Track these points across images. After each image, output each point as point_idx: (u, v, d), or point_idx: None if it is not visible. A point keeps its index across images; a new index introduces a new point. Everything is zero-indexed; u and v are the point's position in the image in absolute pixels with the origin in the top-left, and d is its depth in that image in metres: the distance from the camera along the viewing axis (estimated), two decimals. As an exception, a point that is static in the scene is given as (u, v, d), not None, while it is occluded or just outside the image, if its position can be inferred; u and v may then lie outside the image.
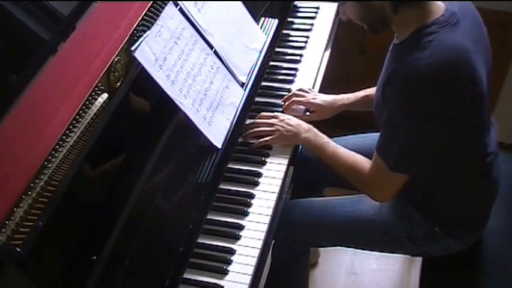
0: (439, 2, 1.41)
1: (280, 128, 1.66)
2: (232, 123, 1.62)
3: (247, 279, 1.41)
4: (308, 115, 1.80)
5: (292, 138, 1.66)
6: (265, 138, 1.66)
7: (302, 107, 1.79)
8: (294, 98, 1.78)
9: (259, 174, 1.63)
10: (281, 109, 1.78)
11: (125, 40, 1.38)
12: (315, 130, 1.66)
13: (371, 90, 1.78)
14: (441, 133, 1.41)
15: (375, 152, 1.51)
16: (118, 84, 1.37)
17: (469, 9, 1.47)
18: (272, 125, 1.67)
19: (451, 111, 1.37)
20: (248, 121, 1.73)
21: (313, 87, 1.85)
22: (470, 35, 1.40)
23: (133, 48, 1.38)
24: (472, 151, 1.50)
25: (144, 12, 1.45)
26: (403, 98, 1.39)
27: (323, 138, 1.65)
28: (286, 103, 1.78)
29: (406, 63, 1.38)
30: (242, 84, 1.71)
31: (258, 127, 1.68)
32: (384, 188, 1.53)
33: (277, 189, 1.60)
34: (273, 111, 1.78)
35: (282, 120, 1.67)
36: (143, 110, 1.48)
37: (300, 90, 1.80)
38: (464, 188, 1.53)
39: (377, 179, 1.52)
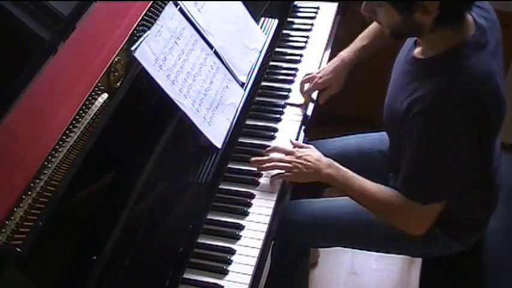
0: (470, 18, 1.37)
1: (299, 165, 1.57)
2: (232, 123, 1.62)
3: (247, 279, 1.41)
4: (326, 92, 1.79)
5: (313, 175, 1.57)
6: (285, 174, 1.58)
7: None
8: (306, 88, 1.77)
9: (260, 174, 1.62)
10: (281, 109, 1.78)
11: (125, 40, 1.38)
12: (337, 164, 1.58)
13: (367, 38, 1.77)
14: (470, 154, 1.40)
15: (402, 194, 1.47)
16: (118, 84, 1.37)
17: (495, 23, 1.43)
18: (290, 162, 1.58)
19: (480, 134, 1.36)
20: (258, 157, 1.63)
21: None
22: (495, 53, 1.39)
23: (133, 48, 1.38)
24: (482, 160, 1.50)
25: (144, 12, 1.45)
26: (435, 126, 1.35)
27: (347, 172, 1.57)
28: (304, 94, 1.78)
29: (438, 89, 1.33)
30: (242, 84, 1.70)
31: (274, 163, 1.60)
32: (423, 221, 1.48)
33: (277, 189, 1.60)
34: (273, 112, 1.78)
35: (300, 156, 1.58)
36: (143, 110, 1.48)
37: (305, 78, 1.79)
38: (468, 193, 1.52)
39: (414, 215, 1.47)
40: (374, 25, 1.77)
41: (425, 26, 1.33)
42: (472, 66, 1.33)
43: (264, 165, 1.61)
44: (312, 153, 1.60)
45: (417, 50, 1.45)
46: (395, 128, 1.49)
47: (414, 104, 1.36)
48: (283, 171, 1.59)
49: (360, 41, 1.78)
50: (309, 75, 1.79)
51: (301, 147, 1.63)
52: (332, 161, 1.59)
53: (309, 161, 1.58)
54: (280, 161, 1.60)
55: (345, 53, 1.79)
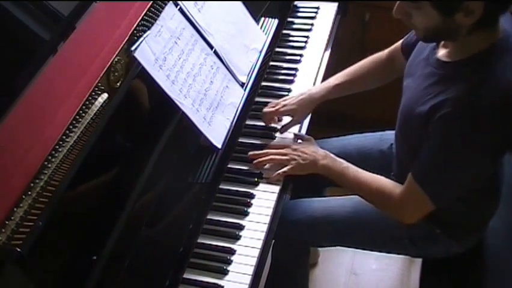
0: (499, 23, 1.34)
1: (295, 157, 1.60)
2: (232, 123, 1.62)
3: (247, 279, 1.41)
4: (287, 124, 1.74)
5: (310, 167, 1.60)
6: (283, 170, 1.59)
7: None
8: (267, 114, 1.73)
9: (260, 174, 1.63)
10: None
11: (125, 40, 1.38)
12: (332, 156, 1.61)
13: (342, 77, 1.75)
14: (491, 162, 1.41)
15: (412, 179, 1.44)
16: (118, 84, 1.37)
17: None
18: (286, 155, 1.61)
19: (506, 141, 1.36)
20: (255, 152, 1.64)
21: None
22: None
23: (133, 48, 1.38)
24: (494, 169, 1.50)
25: (144, 12, 1.45)
26: (460, 132, 1.33)
27: (342, 163, 1.59)
28: (266, 121, 1.75)
29: (465, 95, 1.31)
30: (242, 84, 1.71)
31: (271, 156, 1.62)
32: (418, 212, 1.48)
33: (277, 189, 1.60)
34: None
35: (296, 149, 1.61)
36: (143, 110, 1.48)
37: (271, 104, 1.75)
38: (471, 198, 1.52)
39: (412, 205, 1.47)
40: (354, 67, 1.77)
41: (463, 28, 1.30)
42: (499, 72, 1.31)
43: (261, 159, 1.62)
44: (308, 146, 1.63)
45: (442, 53, 1.42)
46: (411, 130, 1.46)
47: (439, 107, 1.34)
48: (282, 169, 1.59)
49: (334, 79, 1.76)
50: (273, 103, 1.76)
51: (301, 138, 1.67)
52: (327, 152, 1.61)
53: (305, 153, 1.60)
54: (276, 154, 1.61)
55: (315, 89, 1.76)
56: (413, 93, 1.47)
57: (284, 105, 1.73)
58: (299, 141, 1.69)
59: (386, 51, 1.74)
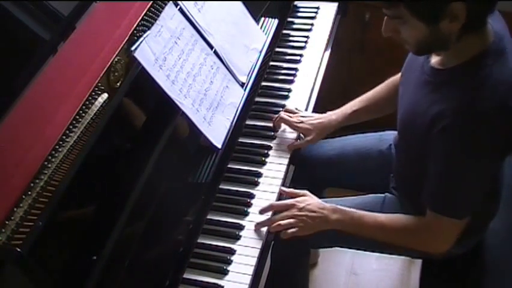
0: (488, 25, 1.33)
1: (304, 218, 1.50)
2: (232, 123, 1.62)
3: (247, 279, 1.41)
4: (299, 142, 1.73)
5: (322, 225, 1.52)
6: (292, 230, 1.50)
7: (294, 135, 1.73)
8: (282, 120, 1.72)
9: (259, 174, 1.63)
10: (281, 109, 1.78)
11: (125, 40, 1.38)
12: (341, 207, 1.53)
13: (359, 103, 1.74)
14: (498, 166, 1.42)
15: (431, 212, 1.43)
16: (118, 84, 1.37)
17: (506, 28, 1.39)
18: (293, 217, 1.51)
19: (507, 144, 1.36)
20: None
21: (313, 87, 1.84)
22: None
23: (133, 48, 1.38)
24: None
25: (144, 12, 1.45)
26: (464, 142, 1.32)
27: (353, 212, 1.52)
28: (276, 125, 1.73)
29: (463, 103, 1.30)
30: (242, 84, 1.71)
31: (279, 223, 1.51)
32: (451, 236, 1.46)
33: (277, 189, 1.60)
34: (273, 112, 1.77)
35: (302, 208, 1.51)
36: (143, 110, 1.48)
37: (285, 110, 1.74)
38: None
39: (442, 233, 1.46)
40: (372, 92, 1.75)
41: (452, 35, 1.29)
42: (495, 75, 1.30)
43: (274, 225, 1.51)
44: (312, 202, 1.54)
45: (434, 60, 1.41)
46: (414, 139, 1.45)
47: (439, 118, 1.33)
48: (291, 230, 1.51)
49: (351, 105, 1.74)
50: (292, 110, 1.74)
51: (297, 195, 1.56)
52: (334, 205, 1.54)
53: (313, 211, 1.52)
54: (283, 219, 1.51)
55: (335, 115, 1.74)
56: (409, 101, 1.46)
57: (301, 122, 1.71)
58: (300, 198, 1.55)
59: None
